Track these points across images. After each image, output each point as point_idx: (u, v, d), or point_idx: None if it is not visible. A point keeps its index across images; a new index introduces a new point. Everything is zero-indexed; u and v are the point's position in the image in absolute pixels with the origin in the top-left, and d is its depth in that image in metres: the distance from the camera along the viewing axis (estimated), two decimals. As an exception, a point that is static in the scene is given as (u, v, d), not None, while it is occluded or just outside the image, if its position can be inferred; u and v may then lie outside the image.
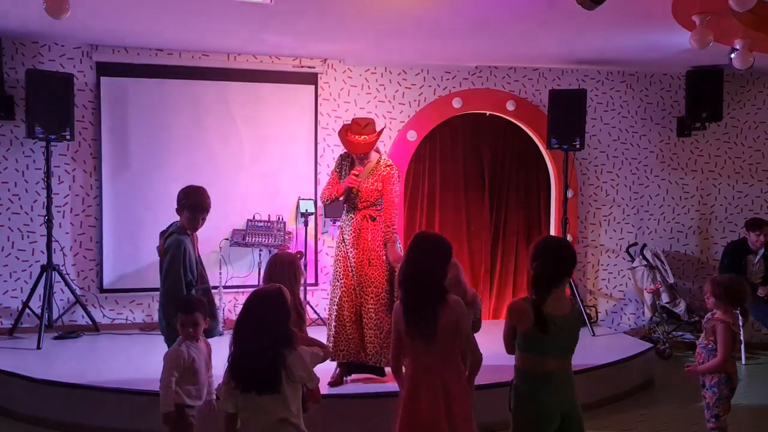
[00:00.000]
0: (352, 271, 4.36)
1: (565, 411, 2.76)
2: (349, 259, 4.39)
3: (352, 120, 4.58)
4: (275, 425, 2.62)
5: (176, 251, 3.64)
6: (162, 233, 3.83)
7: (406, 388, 2.91)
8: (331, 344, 4.31)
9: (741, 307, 3.62)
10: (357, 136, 4.38)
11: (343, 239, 4.47)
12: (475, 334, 3.65)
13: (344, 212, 4.57)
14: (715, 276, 3.93)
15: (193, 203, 3.75)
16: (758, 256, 6.17)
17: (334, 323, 4.37)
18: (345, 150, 4.57)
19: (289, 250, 6.06)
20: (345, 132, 4.45)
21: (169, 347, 3.47)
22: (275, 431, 2.62)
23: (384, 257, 4.38)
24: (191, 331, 3.29)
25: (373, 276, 4.34)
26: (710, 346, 3.57)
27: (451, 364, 2.90)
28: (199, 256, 3.89)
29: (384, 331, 4.26)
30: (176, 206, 3.80)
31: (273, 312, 2.67)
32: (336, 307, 4.38)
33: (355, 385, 4.41)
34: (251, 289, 6.25)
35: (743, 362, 5.97)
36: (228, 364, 2.67)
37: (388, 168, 4.47)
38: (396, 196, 4.52)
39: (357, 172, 4.41)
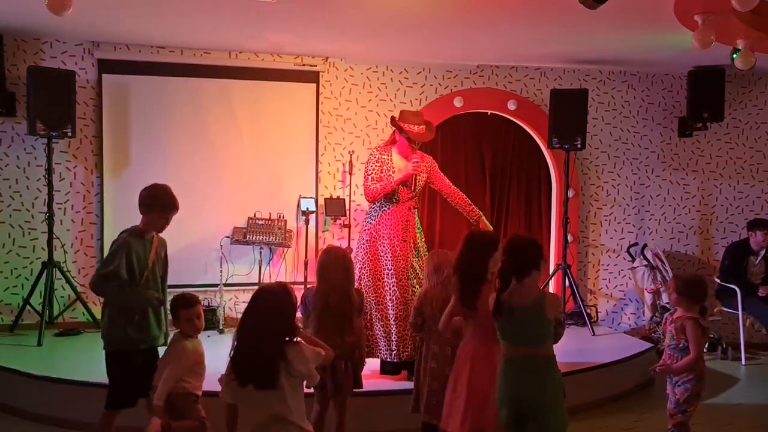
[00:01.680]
0: (394, 267, 4.40)
1: (524, 398, 2.88)
2: (389, 254, 4.43)
3: (403, 112, 4.70)
4: (270, 421, 2.59)
5: (116, 248, 3.48)
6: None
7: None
8: (395, 344, 4.36)
9: (701, 305, 3.66)
10: (417, 126, 4.53)
11: (380, 234, 4.48)
12: None
13: (379, 207, 4.55)
14: (678, 274, 3.98)
15: (166, 202, 3.58)
16: (759, 257, 6.18)
17: (395, 322, 4.39)
18: (386, 144, 4.72)
19: (288, 248, 6.06)
20: (403, 124, 4.55)
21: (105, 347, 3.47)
22: (270, 427, 2.60)
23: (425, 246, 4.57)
24: (197, 322, 3.41)
25: (419, 267, 4.44)
26: (681, 345, 3.57)
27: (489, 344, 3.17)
28: (158, 259, 3.67)
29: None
30: (140, 207, 3.63)
31: (278, 308, 2.69)
32: (402, 305, 4.39)
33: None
34: (252, 288, 6.26)
35: (743, 362, 5.97)
36: (230, 357, 2.68)
37: (429, 158, 4.69)
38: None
39: (418, 158, 4.51)
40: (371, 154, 4.65)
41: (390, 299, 4.42)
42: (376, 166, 4.53)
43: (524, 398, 2.88)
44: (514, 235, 3.32)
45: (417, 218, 4.64)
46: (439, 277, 3.61)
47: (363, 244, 4.56)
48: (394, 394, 4.24)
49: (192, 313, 3.42)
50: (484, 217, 4.70)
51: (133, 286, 3.44)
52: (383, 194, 4.48)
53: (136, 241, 3.55)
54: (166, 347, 3.50)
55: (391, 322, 4.40)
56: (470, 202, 4.76)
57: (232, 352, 2.66)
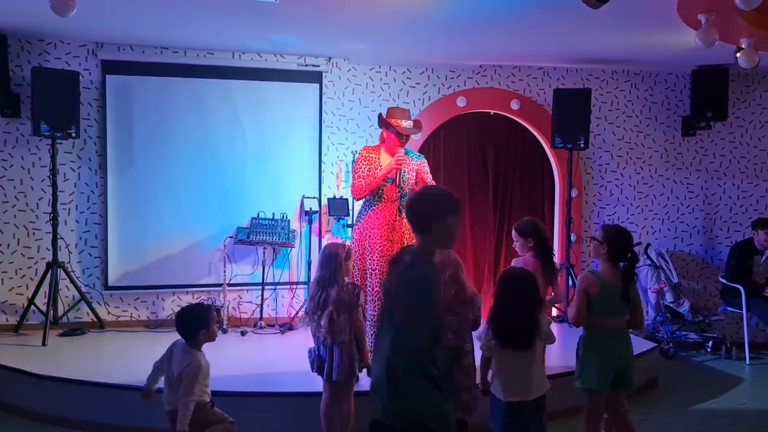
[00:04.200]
0: (378, 266, 4.32)
1: (621, 363, 3.48)
2: (375, 252, 4.36)
3: (390, 109, 4.65)
4: (527, 374, 3.19)
5: (423, 295, 2.41)
6: (395, 261, 2.57)
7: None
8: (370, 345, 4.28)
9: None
10: (403, 121, 4.50)
11: (367, 233, 4.41)
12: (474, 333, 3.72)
13: (368, 205, 4.50)
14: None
15: (450, 201, 2.50)
16: (764, 257, 6.17)
17: (374, 322, 4.29)
18: (377, 145, 4.63)
19: (292, 247, 6.08)
20: (390, 119, 4.52)
21: None
22: (526, 379, 3.19)
23: None
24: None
25: None
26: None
27: None
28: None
29: None
30: (424, 223, 2.47)
31: (528, 287, 3.23)
32: (373, 307, 4.33)
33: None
34: (256, 287, 6.27)
35: (747, 362, 5.96)
36: (491, 325, 3.24)
37: (421, 157, 4.64)
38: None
39: (402, 153, 4.46)
40: (359, 153, 4.60)
41: (371, 299, 4.35)
42: (363, 164, 4.50)
43: (621, 361, 3.49)
44: (615, 227, 3.72)
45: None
46: (441, 277, 3.60)
47: (353, 242, 4.53)
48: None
49: (215, 321, 3.41)
50: None
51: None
52: (368, 191, 4.43)
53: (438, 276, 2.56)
54: (178, 363, 3.26)
55: (370, 322, 4.28)
56: None
57: (493, 321, 3.22)
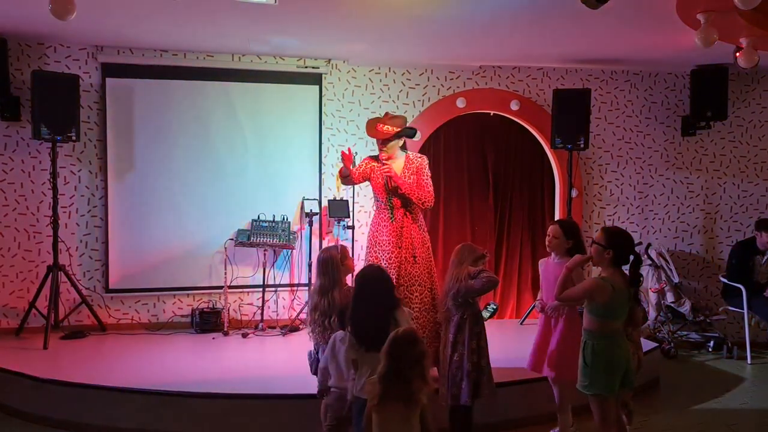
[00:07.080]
0: (392, 272, 4.30)
1: (626, 363, 3.44)
2: (384, 259, 4.38)
3: (385, 113, 4.74)
4: None
5: None
6: None
7: None
8: None
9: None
10: (381, 125, 4.55)
11: (377, 240, 4.47)
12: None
13: (376, 211, 4.60)
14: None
15: None
16: (766, 257, 6.16)
17: None
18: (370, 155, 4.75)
19: (292, 249, 6.08)
20: (375, 121, 4.62)
21: None
22: None
23: (428, 256, 4.50)
24: None
25: (417, 275, 4.39)
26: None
27: None
28: None
29: (427, 332, 4.26)
30: None
31: (381, 286, 3.30)
32: None
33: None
34: (257, 290, 6.27)
35: (749, 361, 5.96)
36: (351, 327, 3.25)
37: (419, 159, 4.62)
38: (429, 182, 4.56)
39: (387, 160, 4.51)
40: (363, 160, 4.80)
41: None
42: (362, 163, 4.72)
43: (626, 361, 3.46)
44: (616, 230, 3.59)
45: (419, 224, 4.54)
46: (458, 269, 3.74)
47: (366, 249, 4.62)
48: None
49: None
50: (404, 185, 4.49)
51: None
52: (343, 178, 4.62)
53: None
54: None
55: None
56: (425, 199, 4.54)
57: (352, 323, 3.24)
